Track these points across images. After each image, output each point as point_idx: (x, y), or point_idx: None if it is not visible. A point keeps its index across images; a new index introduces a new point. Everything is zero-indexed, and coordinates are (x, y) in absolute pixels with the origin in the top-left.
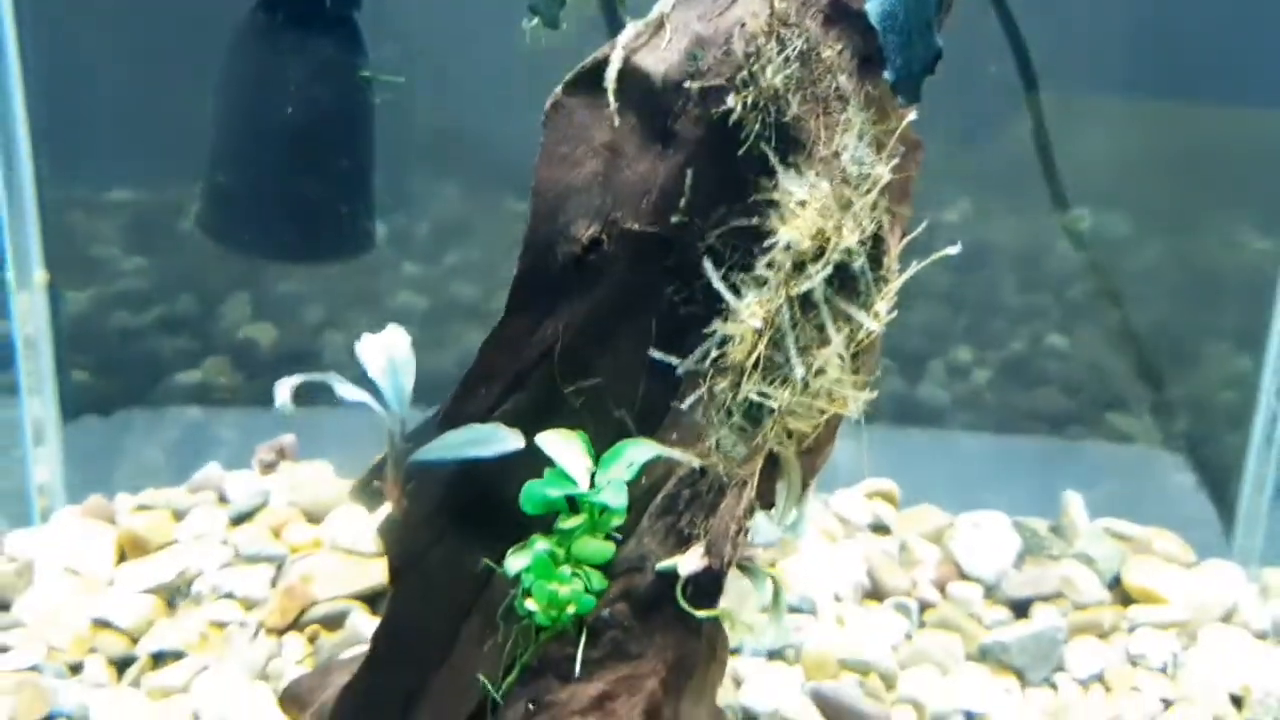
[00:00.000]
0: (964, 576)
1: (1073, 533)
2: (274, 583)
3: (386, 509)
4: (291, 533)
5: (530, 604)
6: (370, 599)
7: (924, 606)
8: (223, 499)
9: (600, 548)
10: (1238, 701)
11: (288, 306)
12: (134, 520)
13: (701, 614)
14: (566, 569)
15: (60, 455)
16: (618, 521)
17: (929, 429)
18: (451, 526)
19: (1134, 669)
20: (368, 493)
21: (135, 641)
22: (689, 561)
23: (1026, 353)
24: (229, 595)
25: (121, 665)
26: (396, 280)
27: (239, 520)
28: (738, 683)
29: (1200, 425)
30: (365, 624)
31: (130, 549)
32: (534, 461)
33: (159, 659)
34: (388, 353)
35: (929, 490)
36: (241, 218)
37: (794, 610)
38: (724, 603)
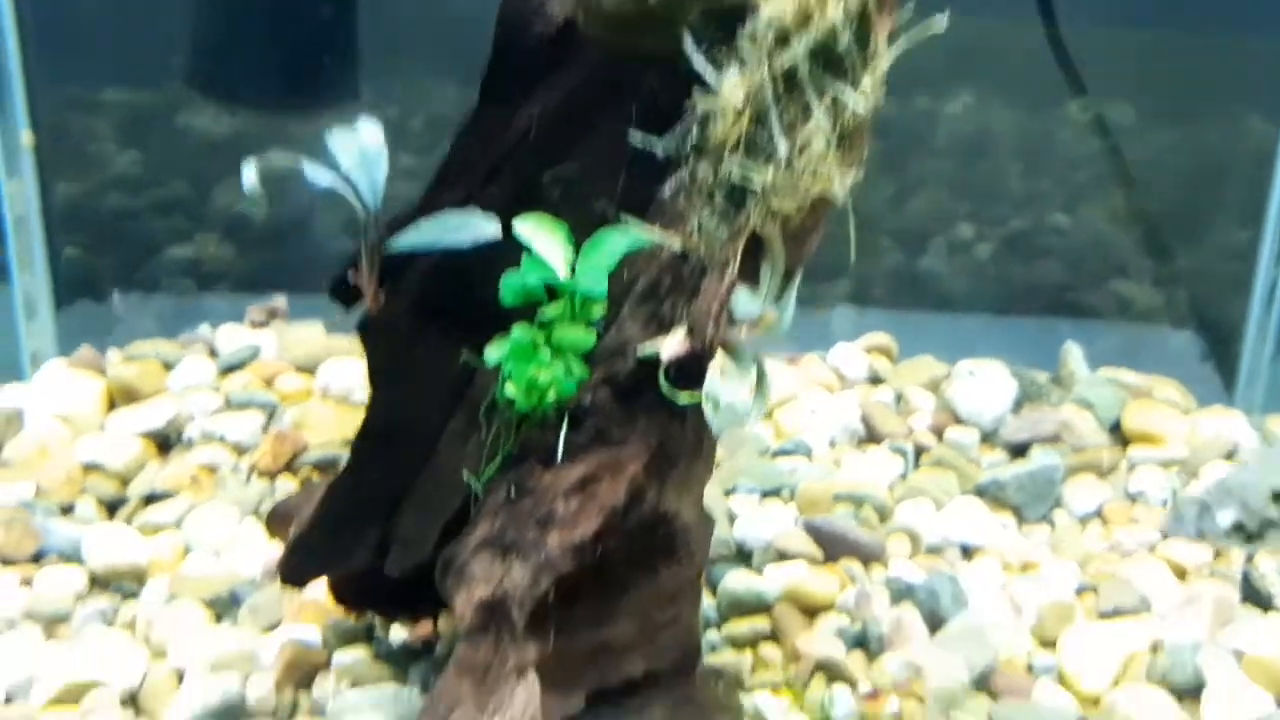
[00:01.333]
0: (961, 422)
1: (1072, 382)
2: (265, 429)
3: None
4: (283, 382)
5: (510, 389)
6: None
7: (920, 450)
8: (213, 352)
9: (581, 335)
10: (1240, 531)
11: (281, 184)
12: (124, 370)
13: (684, 398)
14: (547, 354)
15: (52, 328)
16: (598, 310)
17: (929, 296)
18: (431, 323)
19: (1133, 505)
20: (343, 290)
21: (126, 484)
22: (671, 345)
23: (1029, 229)
24: (220, 440)
25: (112, 506)
26: (393, 173)
27: (229, 370)
28: (732, 519)
29: (1203, 291)
30: None
31: (120, 398)
32: (513, 257)
33: (150, 500)
34: (359, 145)
35: (927, 348)
36: (225, 68)
37: (788, 454)
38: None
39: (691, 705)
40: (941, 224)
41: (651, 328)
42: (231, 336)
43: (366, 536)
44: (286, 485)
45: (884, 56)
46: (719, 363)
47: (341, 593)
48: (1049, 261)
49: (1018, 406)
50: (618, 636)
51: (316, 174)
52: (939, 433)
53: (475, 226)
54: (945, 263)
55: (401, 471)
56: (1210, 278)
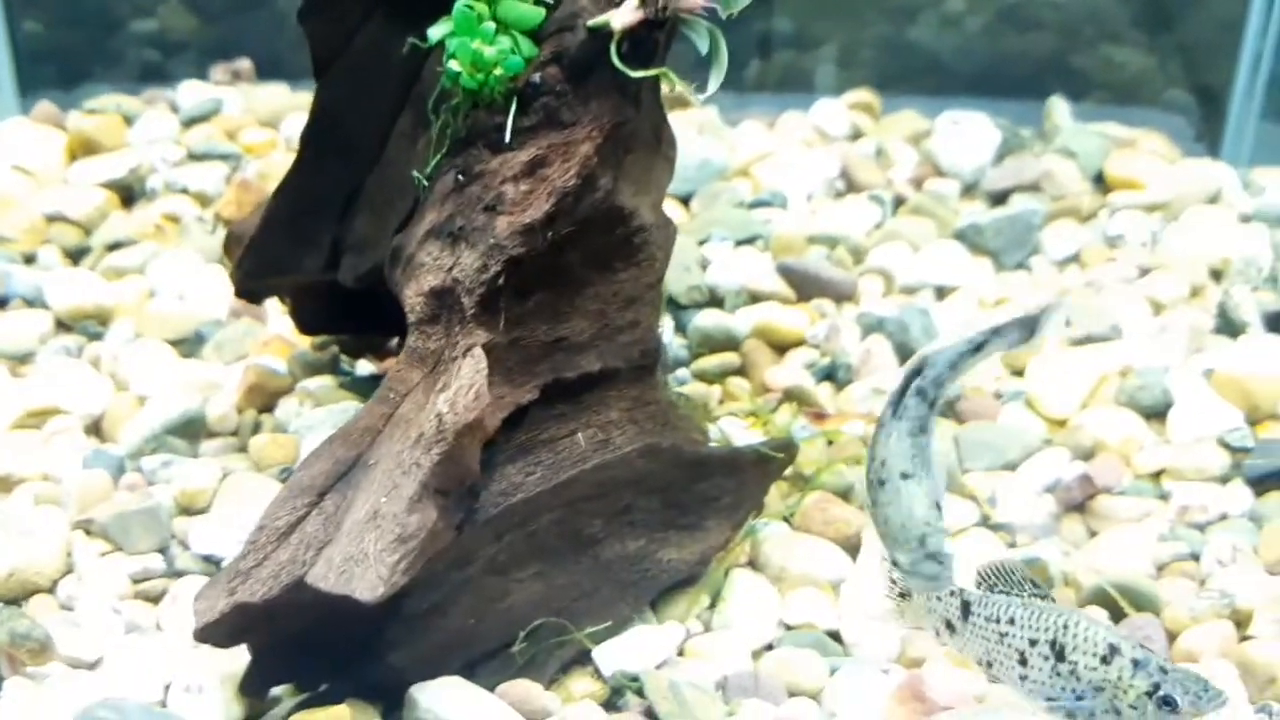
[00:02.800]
0: (942, 174)
1: (1056, 134)
2: (229, 180)
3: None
4: (247, 136)
5: (454, 66)
6: None
7: (899, 201)
8: (174, 108)
9: (528, 9)
10: (1216, 275)
11: None
12: (84, 123)
13: (637, 73)
14: (491, 28)
15: (13, 86)
16: None
17: (918, 67)
18: (377, 7)
19: (1111, 249)
20: None
21: (89, 233)
22: (623, 14)
23: (1021, 1)
24: (183, 191)
25: (75, 255)
26: None
27: (191, 123)
28: (704, 265)
29: (1193, 57)
30: None
31: (81, 151)
32: None
33: (114, 249)
34: None
35: (911, 105)
36: None
37: (764, 204)
38: None
39: (649, 407)
40: None
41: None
42: (194, 92)
43: (319, 240)
44: None
45: None
46: None
47: (302, 319)
48: (1042, 33)
49: (1000, 158)
50: (574, 333)
51: None
52: (919, 184)
53: None
54: (935, 35)
55: (350, 172)
56: (1200, 46)
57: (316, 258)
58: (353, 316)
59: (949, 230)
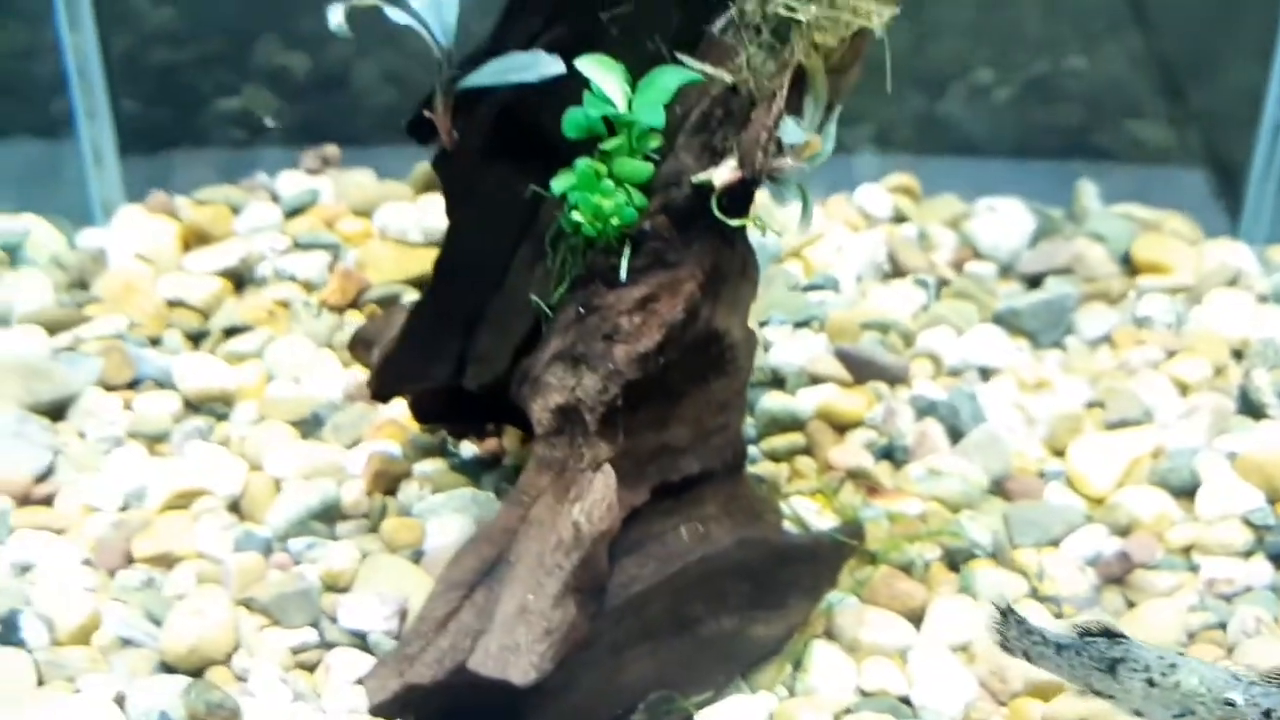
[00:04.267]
0: (980, 256)
1: (1085, 217)
2: (331, 268)
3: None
4: (343, 225)
5: (577, 216)
6: (419, 282)
7: (941, 283)
8: (274, 197)
9: (639, 166)
10: (1238, 355)
11: (316, 40)
12: (195, 214)
13: (734, 222)
14: (609, 184)
15: (119, 176)
16: (655, 142)
17: (950, 138)
18: (501, 156)
19: (1140, 329)
20: (420, 127)
21: (207, 318)
22: (722, 173)
23: (1048, 72)
24: (290, 278)
25: (195, 338)
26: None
27: (292, 214)
28: (766, 347)
29: (1212, 130)
30: None
31: (193, 240)
32: (575, 94)
33: (230, 333)
34: None
35: (949, 188)
36: None
37: (817, 288)
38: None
39: (740, 500)
40: (962, 68)
41: (704, 158)
42: (290, 182)
43: (446, 354)
44: (354, 320)
45: None
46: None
47: (421, 410)
48: (1067, 104)
49: (1034, 241)
50: (676, 439)
51: (396, 14)
52: (959, 266)
53: (542, 64)
54: (965, 106)
55: (477, 295)
56: (1219, 117)
57: (445, 368)
58: (465, 411)
59: (989, 313)
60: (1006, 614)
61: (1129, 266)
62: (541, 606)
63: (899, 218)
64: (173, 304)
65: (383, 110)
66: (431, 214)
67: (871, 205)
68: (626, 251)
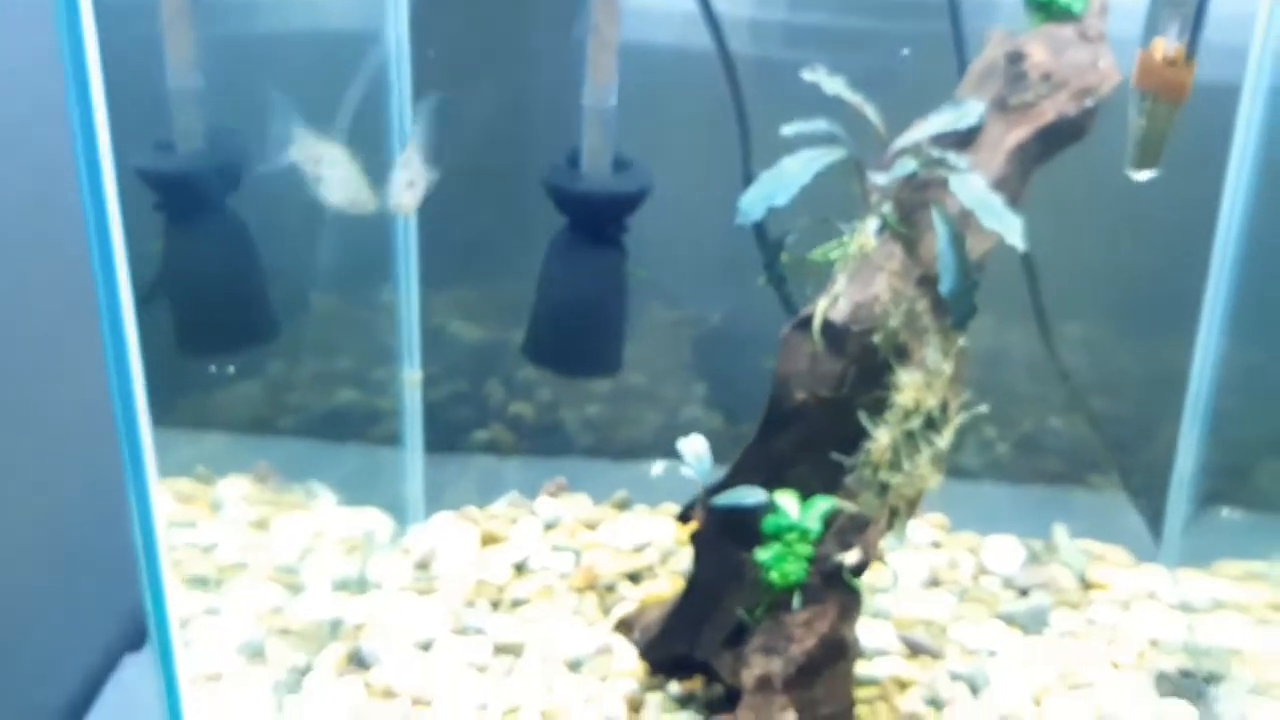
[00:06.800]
0: (989, 573)
1: (1058, 549)
2: (575, 564)
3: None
4: (580, 536)
5: (774, 575)
6: (632, 576)
7: (964, 591)
8: (533, 511)
9: (807, 549)
10: (1155, 644)
11: (537, 386)
12: (488, 523)
13: (854, 582)
14: (790, 559)
15: (422, 486)
16: (815, 537)
17: (968, 484)
18: (726, 535)
19: (1091, 625)
20: (685, 516)
21: (502, 592)
22: (850, 557)
23: (1034, 431)
24: (549, 569)
25: (497, 605)
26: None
27: (548, 527)
28: None
29: (1146, 479)
30: (629, 590)
31: (486, 541)
32: (772, 508)
33: (517, 605)
34: (695, 447)
35: (969, 523)
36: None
37: (882, 591)
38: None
39: None
40: (973, 425)
41: (840, 547)
42: (546, 507)
43: (687, 639)
44: (590, 598)
45: (954, 420)
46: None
47: (653, 662)
48: (1050, 457)
49: (1025, 565)
50: (814, 702)
51: (687, 470)
52: (976, 579)
53: (755, 496)
54: (978, 456)
55: (708, 608)
56: (1151, 468)
57: (684, 646)
58: (683, 667)
59: (996, 611)
60: None
61: (1085, 584)
62: None
63: (936, 544)
64: (482, 584)
65: (588, 450)
66: (633, 528)
67: (917, 537)
68: (798, 595)
